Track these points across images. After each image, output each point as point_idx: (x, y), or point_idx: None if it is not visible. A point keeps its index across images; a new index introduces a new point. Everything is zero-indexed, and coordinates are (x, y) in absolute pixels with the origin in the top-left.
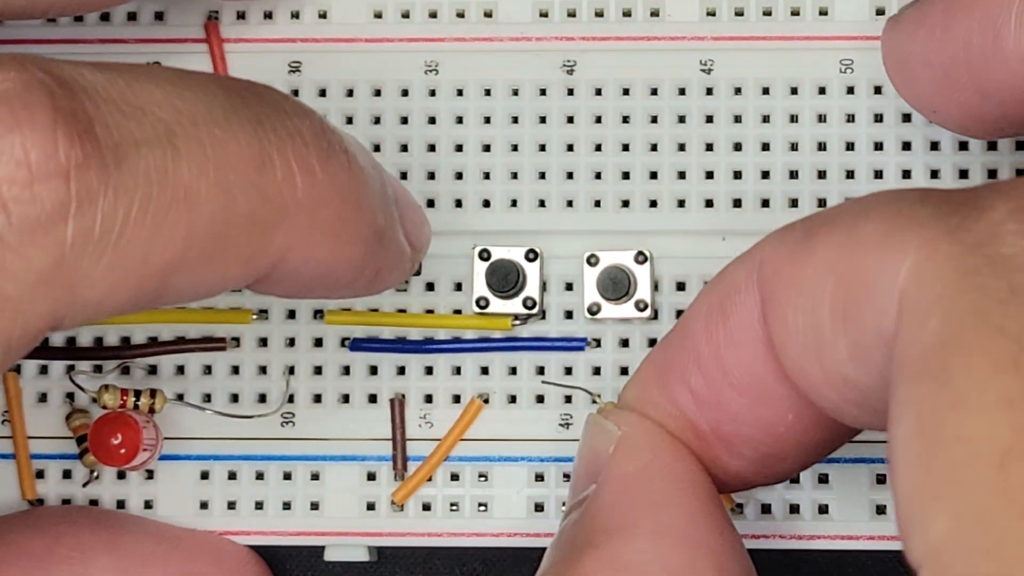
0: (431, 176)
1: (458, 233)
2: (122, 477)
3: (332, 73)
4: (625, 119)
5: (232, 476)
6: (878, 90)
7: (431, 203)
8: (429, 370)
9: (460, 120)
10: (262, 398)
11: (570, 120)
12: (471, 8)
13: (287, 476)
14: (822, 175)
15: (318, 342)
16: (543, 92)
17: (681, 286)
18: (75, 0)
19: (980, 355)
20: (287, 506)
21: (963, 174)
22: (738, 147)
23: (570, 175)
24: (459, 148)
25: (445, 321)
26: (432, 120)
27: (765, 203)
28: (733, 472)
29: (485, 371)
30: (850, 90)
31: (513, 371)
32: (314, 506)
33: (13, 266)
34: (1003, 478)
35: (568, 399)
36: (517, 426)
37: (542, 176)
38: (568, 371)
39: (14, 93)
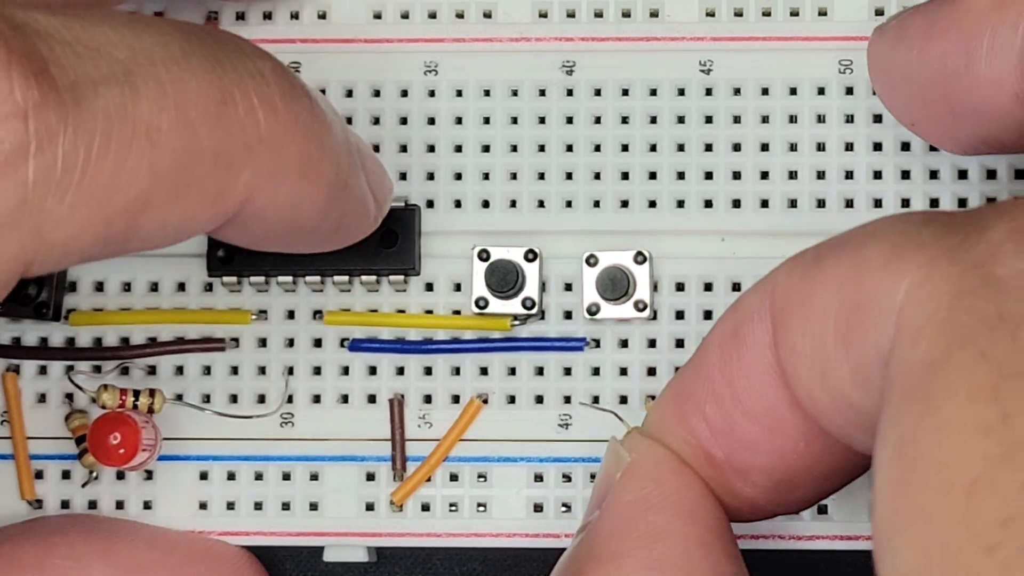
0: (431, 176)
1: (457, 233)
2: (121, 477)
3: (331, 73)
4: (624, 119)
5: (231, 476)
6: None
7: (430, 203)
8: (428, 370)
9: (459, 120)
10: (261, 398)
11: (569, 120)
12: (470, 9)
13: (286, 476)
14: (821, 175)
15: (317, 342)
16: (542, 93)
17: (680, 286)
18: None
19: (961, 380)
20: (286, 506)
21: (962, 174)
22: (737, 147)
23: (569, 175)
24: (458, 148)
25: (444, 321)
26: (431, 120)
27: (764, 203)
28: (747, 500)
29: (484, 371)
30: (849, 91)
31: (512, 371)
32: (313, 506)
33: None
34: (971, 509)
35: (567, 399)
36: (516, 426)
37: (541, 176)
38: (567, 371)
39: None
